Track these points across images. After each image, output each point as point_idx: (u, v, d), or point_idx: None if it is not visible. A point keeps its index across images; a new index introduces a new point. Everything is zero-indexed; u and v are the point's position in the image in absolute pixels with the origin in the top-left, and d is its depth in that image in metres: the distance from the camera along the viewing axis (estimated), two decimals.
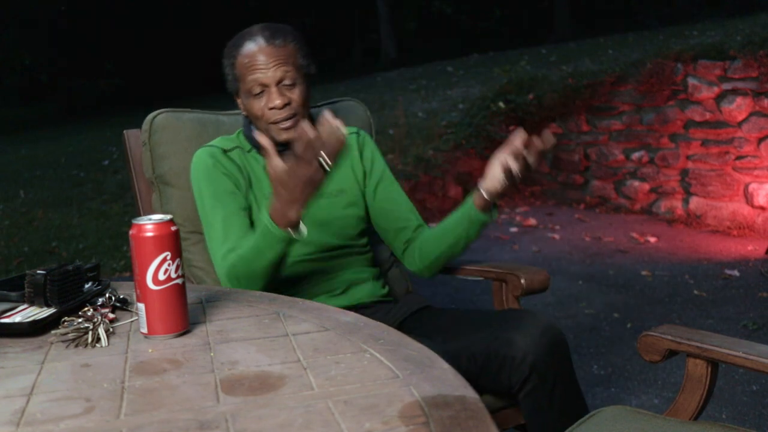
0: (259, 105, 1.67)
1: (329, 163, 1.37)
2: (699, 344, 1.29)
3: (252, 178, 1.73)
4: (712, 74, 4.37)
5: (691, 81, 4.45)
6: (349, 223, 1.76)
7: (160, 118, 1.92)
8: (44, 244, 5.07)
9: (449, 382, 0.86)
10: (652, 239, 4.28)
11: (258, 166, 1.74)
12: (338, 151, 1.37)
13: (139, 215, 1.89)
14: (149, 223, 1.07)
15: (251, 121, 1.75)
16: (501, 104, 5.36)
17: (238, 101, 1.77)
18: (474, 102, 5.73)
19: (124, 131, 1.99)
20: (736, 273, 3.62)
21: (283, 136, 1.68)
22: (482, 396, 1.59)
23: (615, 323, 3.14)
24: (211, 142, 1.77)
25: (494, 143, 5.29)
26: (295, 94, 1.68)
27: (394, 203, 1.81)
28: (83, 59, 18.02)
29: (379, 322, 1.09)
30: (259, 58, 1.66)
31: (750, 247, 4.00)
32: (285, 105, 1.67)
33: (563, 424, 1.46)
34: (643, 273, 3.72)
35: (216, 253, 1.62)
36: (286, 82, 1.67)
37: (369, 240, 1.83)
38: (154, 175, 1.91)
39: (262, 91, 1.67)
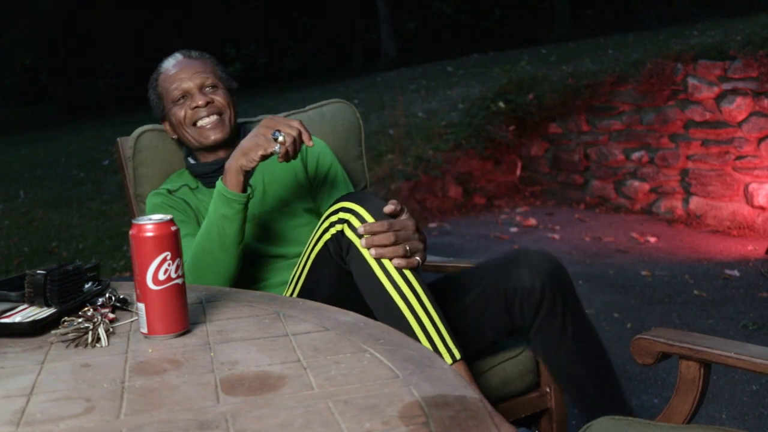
0: (182, 111, 1.75)
1: (286, 143, 1.45)
2: (691, 346, 1.29)
3: (200, 215, 1.76)
4: (712, 74, 4.37)
5: (691, 81, 4.45)
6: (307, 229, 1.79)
7: (146, 137, 1.91)
8: (44, 244, 5.07)
9: (449, 382, 0.86)
10: (652, 239, 4.28)
11: (206, 201, 1.76)
12: (299, 146, 1.47)
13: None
14: (149, 223, 1.07)
15: (182, 139, 1.81)
16: (501, 104, 5.36)
17: (167, 127, 1.84)
18: (474, 102, 5.73)
19: (118, 139, 1.98)
20: (736, 273, 3.62)
21: (211, 138, 1.75)
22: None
23: (615, 323, 3.14)
24: (161, 185, 1.82)
25: (494, 143, 5.30)
26: (218, 96, 1.77)
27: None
28: (83, 59, 18.03)
29: (379, 322, 1.09)
30: (179, 70, 1.77)
31: (750, 247, 4.00)
32: (208, 103, 1.74)
33: (579, 353, 1.48)
34: (643, 273, 3.72)
35: None
36: (208, 85, 1.77)
37: None
38: (136, 194, 1.92)
39: (184, 97, 1.75)
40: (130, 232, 1.08)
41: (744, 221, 4.25)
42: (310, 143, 1.48)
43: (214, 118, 1.75)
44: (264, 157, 1.49)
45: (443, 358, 1.36)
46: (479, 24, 16.93)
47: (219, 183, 1.56)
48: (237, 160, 1.53)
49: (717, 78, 4.34)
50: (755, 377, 2.55)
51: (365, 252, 1.39)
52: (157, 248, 1.06)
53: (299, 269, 1.58)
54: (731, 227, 4.28)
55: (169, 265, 1.06)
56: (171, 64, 1.80)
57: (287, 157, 1.47)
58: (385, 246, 1.39)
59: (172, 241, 1.07)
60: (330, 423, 0.78)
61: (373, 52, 16.40)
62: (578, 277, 3.68)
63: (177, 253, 1.08)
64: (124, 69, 17.81)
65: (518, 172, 5.54)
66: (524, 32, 14.78)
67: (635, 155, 4.84)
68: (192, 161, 1.82)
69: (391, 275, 1.39)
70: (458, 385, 0.85)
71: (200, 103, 1.73)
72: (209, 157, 1.80)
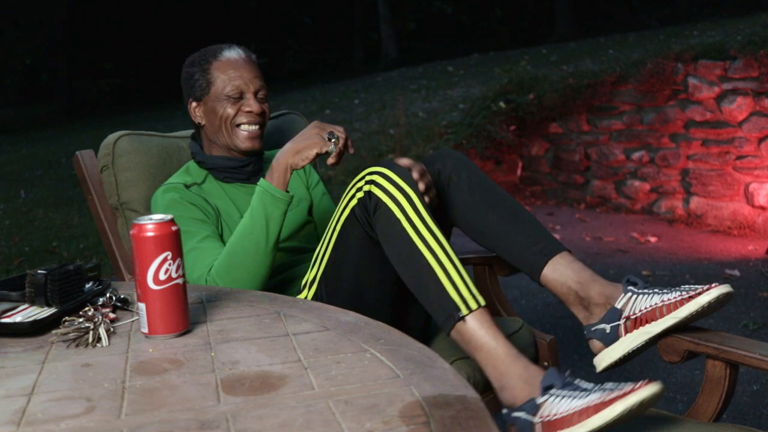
0: (232, 109, 1.73)
1: (339, 144, 1.53)
2: (716, 345, 1.28)
3: (219, 208, 1.75)
4: (712, 74, 4.37)
5: (692, 81, 4.45)
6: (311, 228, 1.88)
7: (124, 141, 1.85)
8: (45, 243, 5.07)
9: (450, 381, 0.86)
10: (653, 239, 4.28)
11: (221, 193, 1.76)
12: (342, 154, 1.54)
13: (107, 239, 1.86)
14: (150, 223, 1.07)
15: (208, 130, 1.78)
16: (501, 104, 5.36)
17: (195, 107, 1.80)
18: (474, 102, 5.73)
19: (77, 153, 1.90)
20: (736, 273, 3.62)
21: (247, 144, 1.76)
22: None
23: None
24: (169, 181, 1.79)
25: (495, 143, 5.30)
26: (266, 107, 1.78)
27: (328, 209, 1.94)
28: (83, 59, 18.03)
29: (379, 322, 1.09)
30: (241, 66, 1.75)
31: (750, 247, 4.00)
32: (260, 113, 1.75)
33: (491, 209, 1.59)
34: (644, 273, 3.72)
35: (199, 278, 1.60)
36: (261, 95, 1.77)
37: None
38: (119, 202, 1.84)
39: (239, 98, 1.74)
40: (131, 232, 1.08)
41: (744, 221, 4.25)
42: (352, 150, 1.56)
43: (256, 127, 1.76)
44: (316, 156, 1.54)
45: (469, 304, 1.38)
46: (479, 24, 16.94)
47: (264, 182, 1.56)
48: (287, 159, 1.55)
49: (717, 78, 4.34)
50: (756, 377, 2.55)
51: (393, 206, 1.43)
52: (158, 248, 1.06)
53: (324, 245, 1.59)
54: (732, 227, 4.28)
55: (169, 265, 1.06)
56: (232, 56, 1.77)
57: (339, 157, 1.54)
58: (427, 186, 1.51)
59: (172, 241, 1.07)
60: (330, 423, 0.78)
61: (374, 52, 16.40)
62: None
63: (178, 253, 1.08)
64: (125, 69, 17.82)
65: (519, 171, 5.54)
66: (525, 32, 14.80)
67: (636, 155, 4.84)
68: (206, 154, 1.80)
69: (418, 228, 1.42)
70: (459, 384, 0.85)
71: (255, 109, 1.74)
72: (221, 152, 1.80)
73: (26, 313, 1.17)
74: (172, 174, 1.84)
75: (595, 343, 1.50)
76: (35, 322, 1.12)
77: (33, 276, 1.17)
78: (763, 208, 4.18)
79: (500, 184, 5.39)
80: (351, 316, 1.12)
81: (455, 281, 1.40)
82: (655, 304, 1.40)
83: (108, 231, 1.86)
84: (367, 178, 1.47)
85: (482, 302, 1.40)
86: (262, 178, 1.59)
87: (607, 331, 1.46)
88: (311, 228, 1.88)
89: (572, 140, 5.24)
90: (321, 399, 0.83)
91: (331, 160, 1.54)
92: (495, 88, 5.67)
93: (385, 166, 1.47)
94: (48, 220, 5.80)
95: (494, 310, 1.88)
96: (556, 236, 4.45)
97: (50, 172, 7.81)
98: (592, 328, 1.49)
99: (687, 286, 1.42)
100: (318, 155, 1.54)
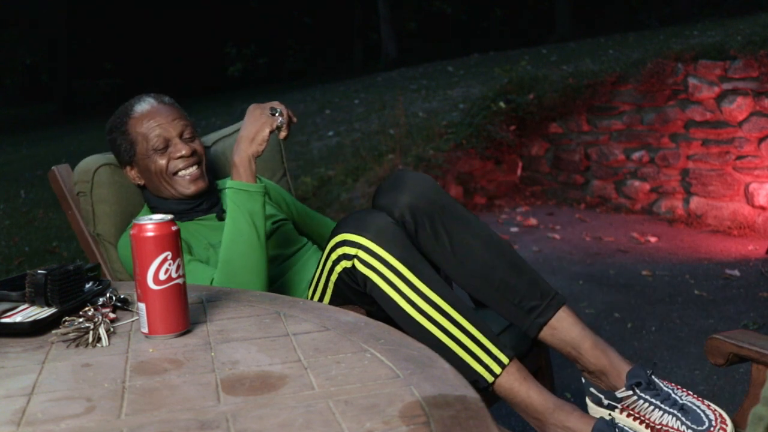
0: (163, 160, 1.69)
1: (284, 116, 1.54)
2: (759, 349, 1.27)
3: (189, 243, 1.71)
4: (712, 74, 4.37)
5: (692, 81, 4.45)
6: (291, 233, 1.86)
7: (104, 172, 1.80)
8: (45, 243, 5.06)
9: (450, 381, 0.86)
10: (653, 239, 4.28)
11: (184, 231, 1.72)
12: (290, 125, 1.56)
13: (92, 255, 1.83)
14: (150, 223, 1.07)
15: (151, 187, 1.74)
16: (501, 104, 5.36)
17: (131, 174, 1.76)
18: (474, 102, 5.73)
19: (54, 168, 1.87)
20: (736, 273, 3.62)
21: (192, 189, 1.71)
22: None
23: (615, 323, 3.14)
24: (130, 226, 1.76)
25: (495, 143, 5.29)
26: (197, 145, 1.74)
27: (308, 217, 1.94)
28: (83, 59, 18.03)
29: (379, 322, 1.09)
30: (155, 115, 1.70)
31: (750, 247, 4.00)
32: (192, 153, 1.70)
33: (471, 254, 1.53)
34: (644, 273, 3.72)
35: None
36: (186, 135, 1.72)
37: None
38: (96, 232, 1.81)
39: (165, 146, 1.69)
40: (131, 232, 1.08)
41: (744, 221, 4.25)
42: (295, 119, 1.58)
43: (194, 168, 1.71)
44: (269, 135, 1.54)
45: (492, 369, 1.36)
46: (479, 24, 16.93)
47: (233, 182, 1.55)
48: (246, 150, 1.54)
49: (717, 78, 4.34)
50: None
51: (383, 283, 1.41)
52: (158, 248, 1.06)
53: (318, 293, 1.57)
54: (732, 227, 4.28)
55: (169, 265, 1.07)
56: (144, 108, 1.71)
57: (288, 129, 1.55)
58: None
59: (172, 241, 1.07)
60: (331, 423, 0.78)
61: (374, 51, 16.40)
62: (579, 277, 3.68)
63: (178, 253, 1.08)
64: (124, 69, 17.82)
65: (519, 171, 5.54)
66: (525, 32, 14.79)
67: (636, 155, 4.84)
68: (158, 199, 1.75)
69: (414, 301, 1.40)
70: (459, 384, 0.85)
71: (184, 152, 1.69)
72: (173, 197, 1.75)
73: (26, 313, 1.17)
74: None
75: (590, 401, 1.51)
76: (35, 322, 1.12)
77: (33, 276, 1.17)
78: (763, 208, 4.18)
79: (500, 184, 5.41)
80: (351, 316, 1.12)
81: (471, 349, 1.37)
82: (655, 422, 1.38)
83: (92, 245, 1.83)
84: (346, 250, 1.44)
85: (505, 360, 1.38)
86: (229, 179, 1.57)
87: (604, 404, 1.46)
88: (302, 240, 1.87)
89: (572, 140, 5.24)
90: (321, 399, 0.83)
91: (282, 134, 1.55)
92: (495, 88, 5.67)
93: (360, 233, 1.43)
94: (48, 220, 5.79)
95: None
96: (556, 236, 4.47)
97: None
98: (590, 388, 1.50)
99: (692, 402, 1.39)
100: (271, 133, 1.54)
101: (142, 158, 1.70)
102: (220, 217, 1.75)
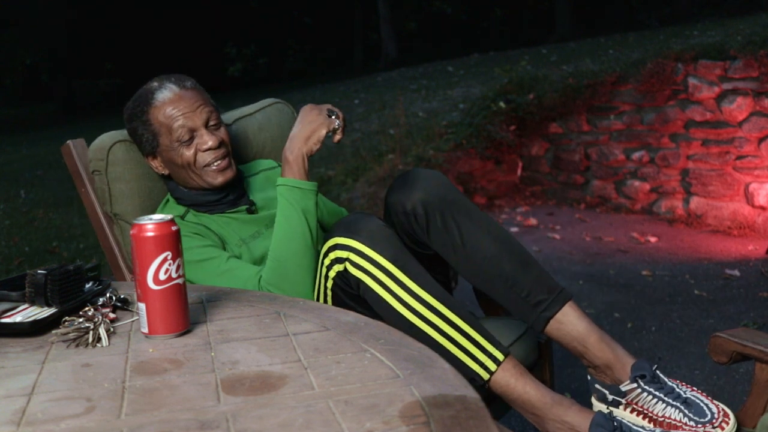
0: (189, 152, 1.62)
1: (340, 118, 1.55)
2: (764, 348, 1.27)
3: (224, 238, 1.66)
4: (712, 74, 4.37)
5: (692, 81, 4.45)
6: None
7: (119, 149, 1.71)
8: (45, 243, 5.07)
9: (450, 381, 0.86)
10: (653, 239, 4.28)
11: (217, 223, 1.67)
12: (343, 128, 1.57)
13: (104, 236, 1.78)
14: (150, 223, 1.07)
15: (176, 177, 1.69)
16: (501, 104, 5.36)
17: (154, 163, 1.69)
18: (474, 102, 5.73)
19: (69, 141, 1.77)
20: (736, 273, 3.62)
21: (219, 180, 1.65)
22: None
23: (616, 323, 3.14)
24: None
25: (495, 143, 5.29)
26: (223, 134, 1.67)
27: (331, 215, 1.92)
28: (83, 59, 18.03)
29: (379, 322, 1.09)
30: (178, 103, 1.61)
31: (750, 247, 4.00)
32: (220, 144, 1.64)
33: (480, 251, 1.54)
34: (644, 273, 3.72)
35: (249, 284, 1.55)
36: (212, 122, 1.65)
37: None
38: (113, 212, 1.74)
39: (191, 138, 1.62)
40: (131, 232, 1.08)
41: (744, 221, 4.25)
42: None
43: (225, 160, 1.65)
44: (325, 136, 1.55)
45: (487, 366, 1.36)
46: (479, 24, 16.93)
47: (286, 180, 1.54)
48: (301, 148, 1.54)
49: (717, 78, 4.34)
50: None
51: (375, 285, 1.41)
52: (158, 248, 1.06)
53: (321, 301, 1.55)
54: (732, 227, 4.28)
55: (169, 265, 1.06)
56: (166, 96, 1.62)
57: (343, 132, 1.56)
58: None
59: (172, 241, 1.07)
60: (331, 423, 0.78)
61: (374, 51, 16.40)
62: (579, 277, 3.68)
63: (178, 253, 1.08)
64: (125, 69, 17.82)
65: (519, 171, 5.53)
66: (525, 32, 14.79)
67: (636, 155, 4.84)
68: (183, 190, 1.70)
69: (406, 302, 1.40)
70: (459, 384, 0.85)
71: (212, 144, 1.61)
72: (198, 187, 1.70)
73: (26, 313, 1.17)
74: (166, 190, 1.76)
75: (595, 399, 1.51)
76: (35, 322, 1.12)
77: (33, 276, 1.17)
78: (763, 208, 4.18)
79: (500, 184, 5.41)
80: (351, 316, 1.12)
81: (465, 347, 1.37)
82: (658, 414, 1.38)
83: (105, 227, 1.77)
84: (338, 253, 1.43)
85: (500, 357, 1.37)
86: (281, 177, 1.55)
87: (609, 400, 1.46)
88: None
89: (572, 140, 5.24)
90: (321, 399, 0.83)
91: (337, 137, 1.55)
92: (495, 88, 5.67)
93: (351, 236, 1.42)
94: (48, 220, 5.79)
95: (496, 311, 1.87)
96: (556, 236, 4.47)
97: (50, 172, 7.81)
98: (596, 384, 1.50)
99: (695, 397, 1.39)
100: (326, 134, 1.55)
101: (166, 150, 1.64)
102: (250, 211, 1.71)
